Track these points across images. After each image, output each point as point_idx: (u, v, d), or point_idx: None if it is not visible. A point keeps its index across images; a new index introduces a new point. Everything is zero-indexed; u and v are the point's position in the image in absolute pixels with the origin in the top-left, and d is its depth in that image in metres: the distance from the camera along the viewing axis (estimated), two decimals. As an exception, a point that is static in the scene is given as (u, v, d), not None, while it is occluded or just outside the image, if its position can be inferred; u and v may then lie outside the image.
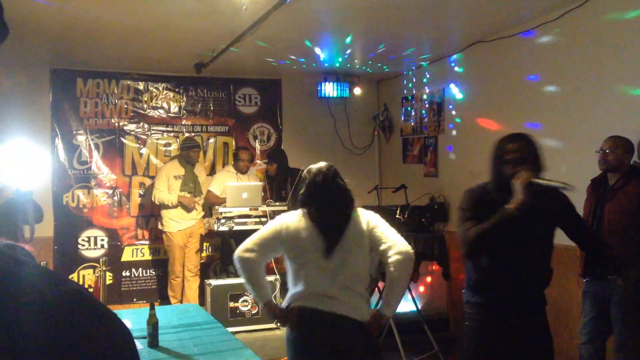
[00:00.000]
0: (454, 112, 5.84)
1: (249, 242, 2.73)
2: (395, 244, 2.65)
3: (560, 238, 4.40)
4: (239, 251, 2.72)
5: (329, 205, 2.71)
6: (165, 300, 6.06)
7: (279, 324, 2.71)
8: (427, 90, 6.28)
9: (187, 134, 6.63)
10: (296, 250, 2.69)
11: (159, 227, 6.09)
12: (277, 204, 5.77)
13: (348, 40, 5.27)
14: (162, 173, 6.04)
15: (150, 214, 6.47)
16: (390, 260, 2.62)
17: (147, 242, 6.50)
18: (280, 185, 6.27)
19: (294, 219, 2.73)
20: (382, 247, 2.67)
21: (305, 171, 2.86)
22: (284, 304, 2.75)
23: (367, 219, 2.75)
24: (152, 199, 6.02)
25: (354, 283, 2.67)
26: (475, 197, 2.68)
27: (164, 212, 5.99)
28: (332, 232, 2.66)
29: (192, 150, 6.07)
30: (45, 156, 6.09)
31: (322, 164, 2.82)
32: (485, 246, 2.58)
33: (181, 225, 5.97)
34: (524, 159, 2.53)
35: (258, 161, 6.90)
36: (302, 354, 2.66)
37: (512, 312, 2.64)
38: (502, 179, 2.57)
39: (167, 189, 5.94)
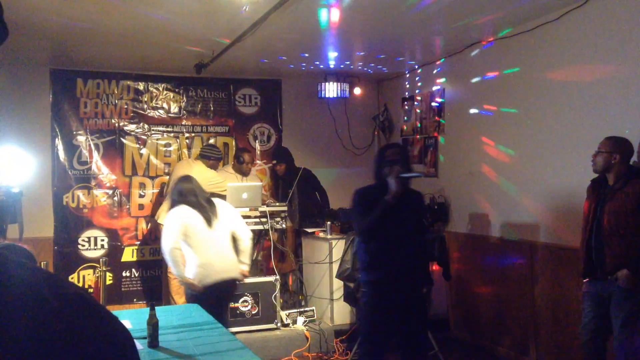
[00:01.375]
0: (453, 113, 5.84)
1: (170, 239, 3.99)
2: (245, 228, 4.32)
3: (560, 238, 4.41)
4: (169, 247, 3.98)
5: (197, 197, 4.11)
6: (164, 301, 6.05)
7: (191, 287, 4.07)
8: (427, 91, 6.28)
9: (211, 140, 6.66)
10: (192, 228, 4.01)
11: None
12: (277, 204, 5.77)
13: (348, 40, 5.27)
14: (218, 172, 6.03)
15: (151, 214, 6.47)
16: (241, 238, 4.24)
17: (146, 243, 6.50)
18: (288, 185, 6.27)
19: (184, 211, 4.04)
20: (238, 229, 4.25)
21: (174, 182, 4.42)
22: (191, 275, 4.01)
23: (228, 206, 4.34)
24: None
25: (229, 246, 4.16)
26: (362, 195, 3.60)
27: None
28: (207, 211, 4.08)
29: (219, 162, 6.14)
30: (45, 156, 6.09)
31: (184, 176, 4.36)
32: (376, 230, 3.43)
33: None
34: (397, 160, 3.46)
35: (258, 161, 6.90)
36: (200, 300, 3.92)
37: (396, 287, 3.47)
38: (383, 178, 3.45)
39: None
